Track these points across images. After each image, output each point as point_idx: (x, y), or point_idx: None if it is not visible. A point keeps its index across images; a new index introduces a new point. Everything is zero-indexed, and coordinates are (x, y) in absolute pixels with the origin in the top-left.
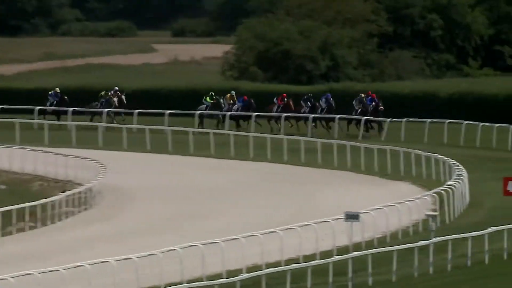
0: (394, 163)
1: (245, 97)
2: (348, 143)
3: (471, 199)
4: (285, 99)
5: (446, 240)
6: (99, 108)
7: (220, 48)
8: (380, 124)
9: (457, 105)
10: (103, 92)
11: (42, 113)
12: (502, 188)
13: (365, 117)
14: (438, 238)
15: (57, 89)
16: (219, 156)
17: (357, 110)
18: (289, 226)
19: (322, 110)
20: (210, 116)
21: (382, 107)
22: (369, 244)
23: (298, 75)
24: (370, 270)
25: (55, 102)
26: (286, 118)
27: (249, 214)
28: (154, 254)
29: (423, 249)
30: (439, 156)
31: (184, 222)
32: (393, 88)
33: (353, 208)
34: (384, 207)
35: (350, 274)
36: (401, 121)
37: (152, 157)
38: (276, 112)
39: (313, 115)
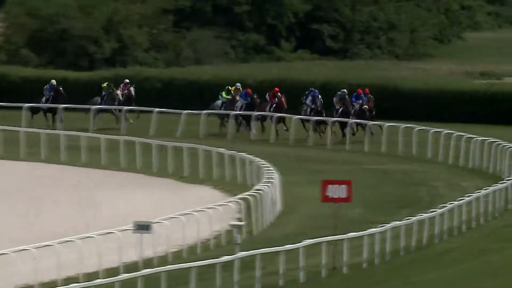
0: (193, 163)
1: (249, 90)
2: (138, 139)
3: (283, 206)
4: (278, 95)
5: (254, 255)
6: (101, 103)
7: None
8: (364, 127)
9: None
10: (105, 84)
11: (35, 111)
12: (320, 193)
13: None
14: (245, 253)
15: (53, 81)
16: None
17: (338, 110)
18: (67, 239)
19: (311, 110)
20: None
21: (366, 106)
22: (163, 260)
23: (77, 59)
24: None
25: (50, 97)
26: (280, 120)
27: (13, 225)
28: None
29: (227, 266)
30: (245, 155)
31: None
32: (191, 74)
33: (143, 217)
34: (180, 215)
35: None
36: (199, 114)
37: None
38: (269, 111)
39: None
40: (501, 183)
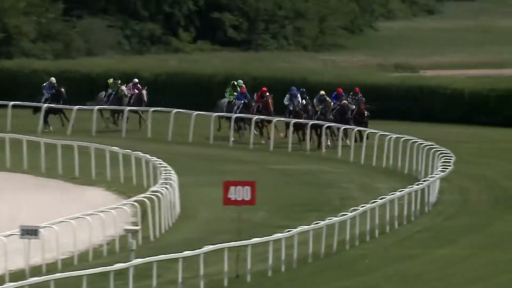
0: (84, 163)
1: (243, 90)
2: (24, 137)
3: (182, 209)
4: (265, 95)
5: (150, 262)
6: (106, 102)
7: None
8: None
9: (164, 88)
10: (111, 80)
11: (37, 110)
12: (222, 196)
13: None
14: (140, 260)
15: (53, 79)
16: None
17: (317, 112)
18: None
19: (290, 112)
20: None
21: (367, 113)
22: (52, 267)
23: None
24: None
25: (49, 96)
26: (269, 123)
27: None
28: None
29: (121, 274)
30: (141, 154)
31: None
32: (82, 67)
33: (30, 222)
34: (71, 219)
35: None
36: (92, 110)
37: None
38: (256, 112)
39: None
40: (417, 185)
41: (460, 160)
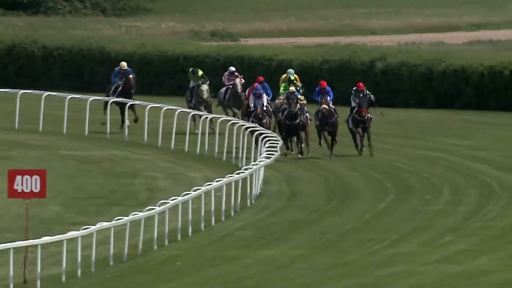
0: None
1: (260, 78)
2: None
3: None
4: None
5: None
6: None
7: None
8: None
9: None
10: (190, 70)
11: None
12: (7, 187)
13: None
14: None
15: (123, 64)
16: None
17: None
18: None
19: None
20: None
21: (371, 117)
22: None
23: None
24: None
25: (120, 87)
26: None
27: None
28: None
29: None
30: None
31: None
32: None
33: None
34: None
35: None
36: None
37: None
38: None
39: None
40: (238, 174)
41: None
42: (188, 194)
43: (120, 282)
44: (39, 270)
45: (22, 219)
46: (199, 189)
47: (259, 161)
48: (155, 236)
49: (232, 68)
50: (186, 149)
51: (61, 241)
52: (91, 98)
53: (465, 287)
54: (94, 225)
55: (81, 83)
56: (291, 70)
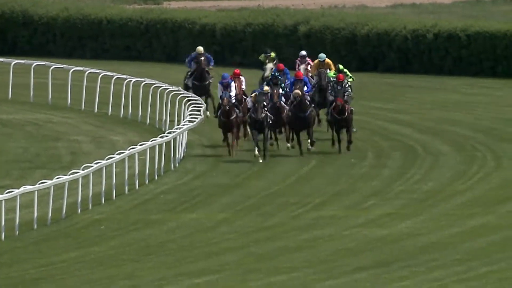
0: None
1: (281, 65)
2: None
3: None
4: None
5: None
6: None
7: None
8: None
9: None
10: (262, 55)
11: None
12: None
13: None
14: None
15: (200, 49)
16: None
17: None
18: None
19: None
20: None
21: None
22: None
23: None
24: None
25: (195, 73)
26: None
27: None
28: None
29: None
30: None
31: None
32: None
33: None
34: None
35: None
36: None
37: None
38: None
39: None
40: (161, 137)
41: (213, 109)
42: (112, 157)
43: (44, 245)
44: None
45: None
46: (123, 152)
47: (183, 125)
48: (79, 199)
49: (303, 52)
50: (109, 113)
51: None
52: (14, 62)
53: (390, 250)
54: (18, 188)
55: (4, 47)
56: (322, 55)
